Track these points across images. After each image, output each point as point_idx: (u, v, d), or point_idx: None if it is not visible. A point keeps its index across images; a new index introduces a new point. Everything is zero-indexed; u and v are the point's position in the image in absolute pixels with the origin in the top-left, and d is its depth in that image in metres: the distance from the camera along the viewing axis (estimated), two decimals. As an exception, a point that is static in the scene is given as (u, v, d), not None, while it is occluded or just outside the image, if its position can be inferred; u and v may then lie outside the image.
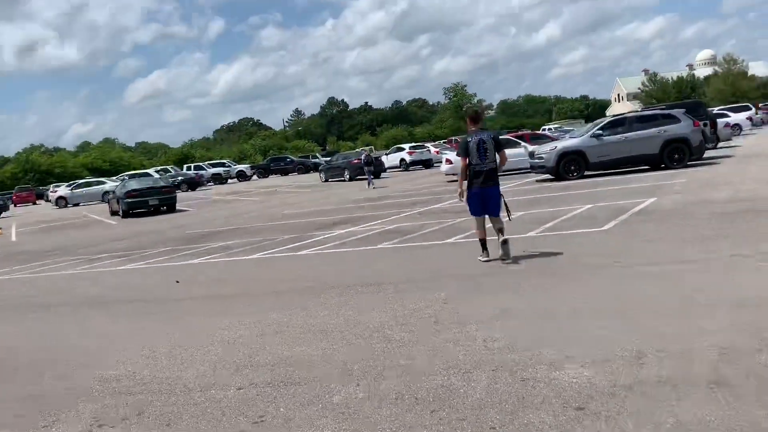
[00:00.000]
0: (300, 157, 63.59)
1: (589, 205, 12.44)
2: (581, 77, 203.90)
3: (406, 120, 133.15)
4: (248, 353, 5.26)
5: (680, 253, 7.33)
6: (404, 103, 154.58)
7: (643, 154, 18.84)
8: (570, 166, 19.06)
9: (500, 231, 8.08)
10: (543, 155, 19.39)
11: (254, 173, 56.33)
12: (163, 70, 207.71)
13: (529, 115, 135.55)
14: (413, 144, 43.59)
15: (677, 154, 18.68)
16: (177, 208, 26.06)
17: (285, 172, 56.16)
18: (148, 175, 45.12)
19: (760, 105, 54.51)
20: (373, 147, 74.85)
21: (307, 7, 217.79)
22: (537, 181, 20.20)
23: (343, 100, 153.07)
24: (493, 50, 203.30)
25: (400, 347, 4.94)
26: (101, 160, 79.20)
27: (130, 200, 24.83)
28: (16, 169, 75.47)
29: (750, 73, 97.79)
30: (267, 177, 55.58)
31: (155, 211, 25.32)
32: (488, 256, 8.04)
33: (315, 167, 52.62)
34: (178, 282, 9.13)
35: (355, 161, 34.19)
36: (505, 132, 45.01)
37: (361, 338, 5.28)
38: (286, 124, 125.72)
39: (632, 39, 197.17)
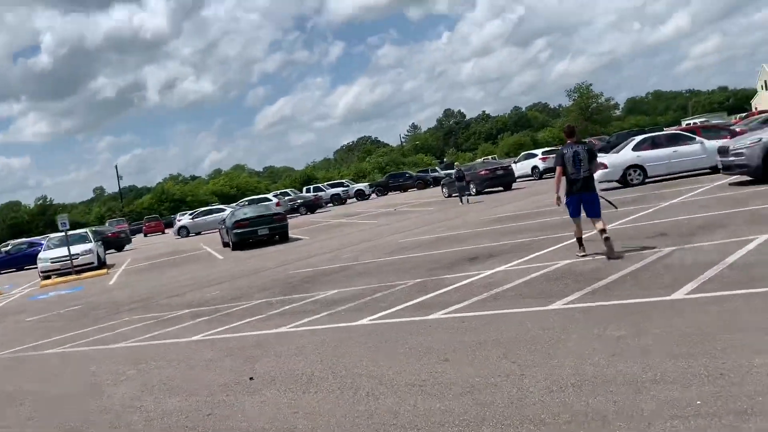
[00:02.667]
0: (418, 171, 60.70)
1: None
2: (715, 68, 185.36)
3: (527, 126, 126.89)
4: None
5: None
6: (524, 108, 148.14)
7: None
8: (782, 163, 14.13)
9: (602, 231, 8.60)
10: (742, 151, 14.58)
11: (373, 191, 54.04)
12: (288, 97, 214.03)
13: (660, 112, 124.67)
14: (547, 149, 38.89)
15: None
16: (291, 236, 23.57)
17: (404, 189, 53.63)
18: (267, 200, 44.01)
19: None
20: (496, 155, 70.37)
21: (422, 23, 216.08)
22: (731, 185, 15.38)
23: (459, 111, 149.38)
24: (616, 48, 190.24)
25: None
26: (228, 186, 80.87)
27: (238, 231, 22.58)
28: (153, 199, 78.49)
29: None
30: (386, 194, 53.10)
31: (268, 241, 22.95)
32: (585, 251, 9.07)
33: (435, 181, 49.47)
34: (252, 379, 5.90)
35: (483, 172, 30.31)
36: (650, 130, 39.50)
37: None
38: (403, 140, 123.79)
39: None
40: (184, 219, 45.59)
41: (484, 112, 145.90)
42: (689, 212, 11.94)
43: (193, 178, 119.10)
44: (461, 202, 26.38)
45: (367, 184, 57.28)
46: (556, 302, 6.80)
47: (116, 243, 37.50)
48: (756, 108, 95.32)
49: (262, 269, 15.40)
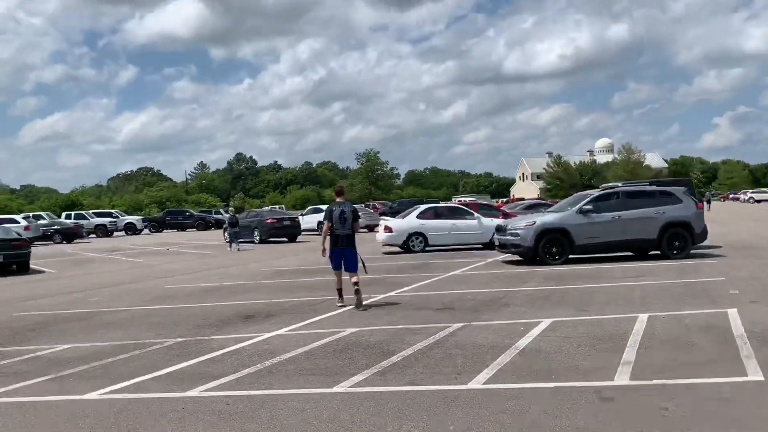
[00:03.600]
0: (201, 211, 57.41)
1: (645, 315, 8.25)
2: (484, 155, 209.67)
3: (316, 181, 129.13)
4: None
5: None
6: (314, 165, 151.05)
7: (638, 238, 15.27)
8: (551, 247, 15.12)
9: (356, 287, 9.58)
10: (518, 231, 15.36)
11: (146, 226, 49.54)
12: (65, 113, 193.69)
13: (435, 186, 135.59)
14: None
15: (677, 242, 15.25)
16: (33, 267, 19.86)
17: (182, 228, 49.92)
18: (13, 221, 37.74)
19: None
20: (283, 206, 69.78)
21: (224, 64, 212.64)
22: (504, 262, 16.11)
23: (251, 157, 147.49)
24: (403, 122, 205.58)
25: None
26: (-29, 201, 68.76)
27: (-38, 256, 18.40)
28: None
29: (645, 162, 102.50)
30: (161, 232, 49.00)
31: (1, 271, 19.01)
32: (343, 302, 9.84)
33: (217, 224, 46.94)
34: None
35: (269, 221, 29.09)
36: (427, 201, 41.78)
37: None
38: (189, 177, 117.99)
39: (531, 124, 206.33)
40: None
41: (276, 162, 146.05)
42: (472, 286, 11.93)
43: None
44: (229, 248, 25.33)
45: (140, 217, 52.53)
46: (342, 382, 5.75)
47: None
48: (513, 195, 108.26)
49: (-20, 306, 12.27)
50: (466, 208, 21.51)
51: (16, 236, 20.43)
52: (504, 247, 15.98)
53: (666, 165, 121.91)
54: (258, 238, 28.89)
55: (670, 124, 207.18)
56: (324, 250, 9.98)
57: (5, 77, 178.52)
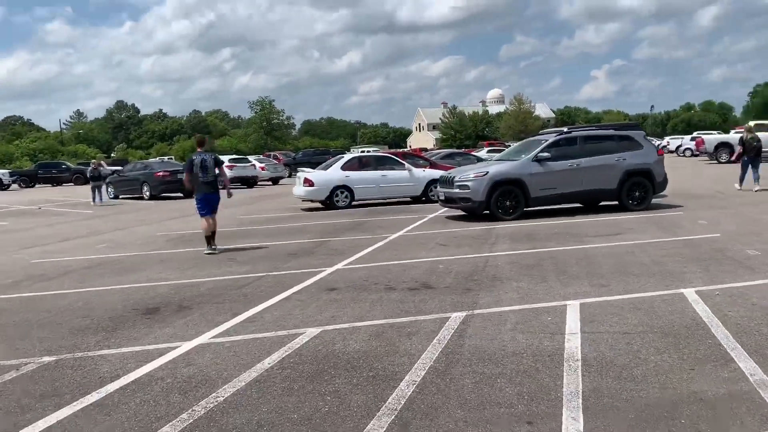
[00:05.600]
0: (79, 164, 51.34)
1: (689, 290, 6.37)
2: (378, 106, 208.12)
3: (206, 131, 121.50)
4: None
5: None
6: (203, 113, 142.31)
7: (597, 188, 13.67)
8: (505, 200, 13.19)
9: (214, 232, 10.63)
10: (467, 184, 13.23)
11: (15, 181, 43.54)
12: None
13: (332, 137, 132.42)
14: (234, 157, 35.12)
15: (638, 192, 13.80)
16: None
17: (58, 182, 44.37)
18: None
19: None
20: (172, 157, 64.28)
21: (103, 5, 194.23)
22: (448, 218, 14.04)
23: (134, 105, 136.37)
24: (296, 71, 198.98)
25: None
26: None
27: None
28: None
29: (534, 113, 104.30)
30: (32, 187, 43.31)
31: None
32: (213, 250, 10.51)
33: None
34: None
35: (161, 174, 25.34)
36: (334, 152, 39.23)
37: None
38: (65, 126, 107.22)
39: (423, 75, 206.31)
40: None
41: (160, 110, 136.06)
42: (434, 252, 9.70)
43: None
44: (93, 202, 24.08)
45: (7, 171, 46.01)
46: (342, 456, 3.32)
47: None
48: (410, 145, 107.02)
49: None
50: (395, 158, 19.19)
51: None
52: (451, 201, 13.84)
53: (554, 115, 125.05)
54: (148, 194, 25.18)
55: (552, 77, 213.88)
56: (189, 186, 10.77)
57: None
